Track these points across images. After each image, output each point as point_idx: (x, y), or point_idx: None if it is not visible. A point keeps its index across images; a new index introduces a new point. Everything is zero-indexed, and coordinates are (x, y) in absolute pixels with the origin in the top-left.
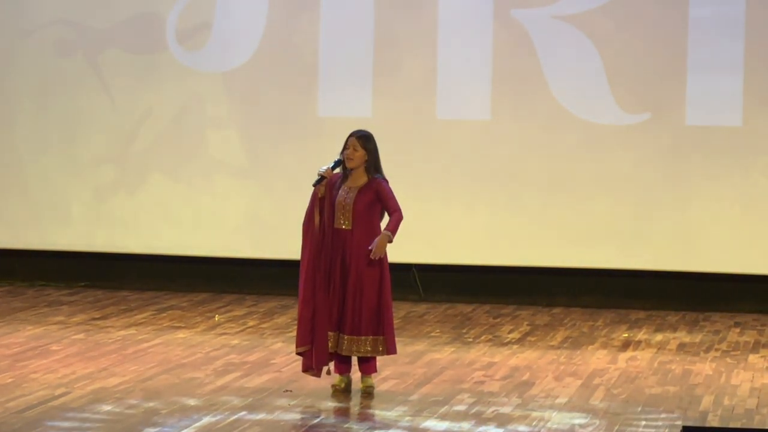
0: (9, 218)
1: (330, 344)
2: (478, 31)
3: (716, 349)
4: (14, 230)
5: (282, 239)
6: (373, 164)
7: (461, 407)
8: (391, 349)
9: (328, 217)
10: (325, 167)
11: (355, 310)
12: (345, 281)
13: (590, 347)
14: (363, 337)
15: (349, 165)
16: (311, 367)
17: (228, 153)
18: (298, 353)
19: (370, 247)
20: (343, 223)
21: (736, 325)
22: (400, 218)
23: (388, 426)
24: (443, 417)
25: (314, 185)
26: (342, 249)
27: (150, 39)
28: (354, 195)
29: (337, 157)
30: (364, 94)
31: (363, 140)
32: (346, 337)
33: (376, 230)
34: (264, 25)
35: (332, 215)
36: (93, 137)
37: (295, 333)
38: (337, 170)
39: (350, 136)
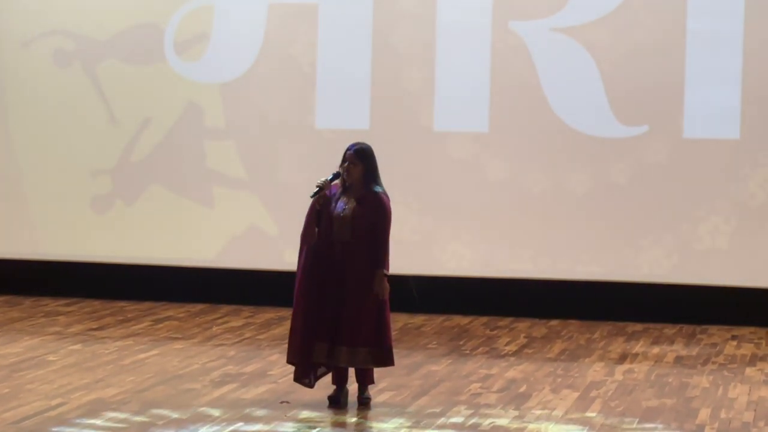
0: (6, 228)
1: (322, 355)
2: (476, 43)
3: (713, 362)
4: (11, 240)
5: (279, 250)
6: (371, 177)
7: (458, 419)
8: (388, 361)
9: (326, 230)
10: (323, 179)
11: (354, 322)
12: (343, 293)
13: (587, 359)
14: (361, 348)
15: (348, 181)
16: (302, 376)
17: (225, 164)
18: (288, 362)
19: (375, 292)
20: (343, 236)
21: (733, 338)
22: (387, 250)
23: None
24: (440, 429)
25: (312, 197)
26: (342, 261)
27: (148, 50)
28: (352, 207)
29: (335, 169)
30: (362, 105)
31: (360, 154)
32: (344, 349)
33: (376, 241)
34: (262, 36)
35: (331, 228)
36: (90, 147)
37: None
38: (336, 182)
39: (348, 150)
